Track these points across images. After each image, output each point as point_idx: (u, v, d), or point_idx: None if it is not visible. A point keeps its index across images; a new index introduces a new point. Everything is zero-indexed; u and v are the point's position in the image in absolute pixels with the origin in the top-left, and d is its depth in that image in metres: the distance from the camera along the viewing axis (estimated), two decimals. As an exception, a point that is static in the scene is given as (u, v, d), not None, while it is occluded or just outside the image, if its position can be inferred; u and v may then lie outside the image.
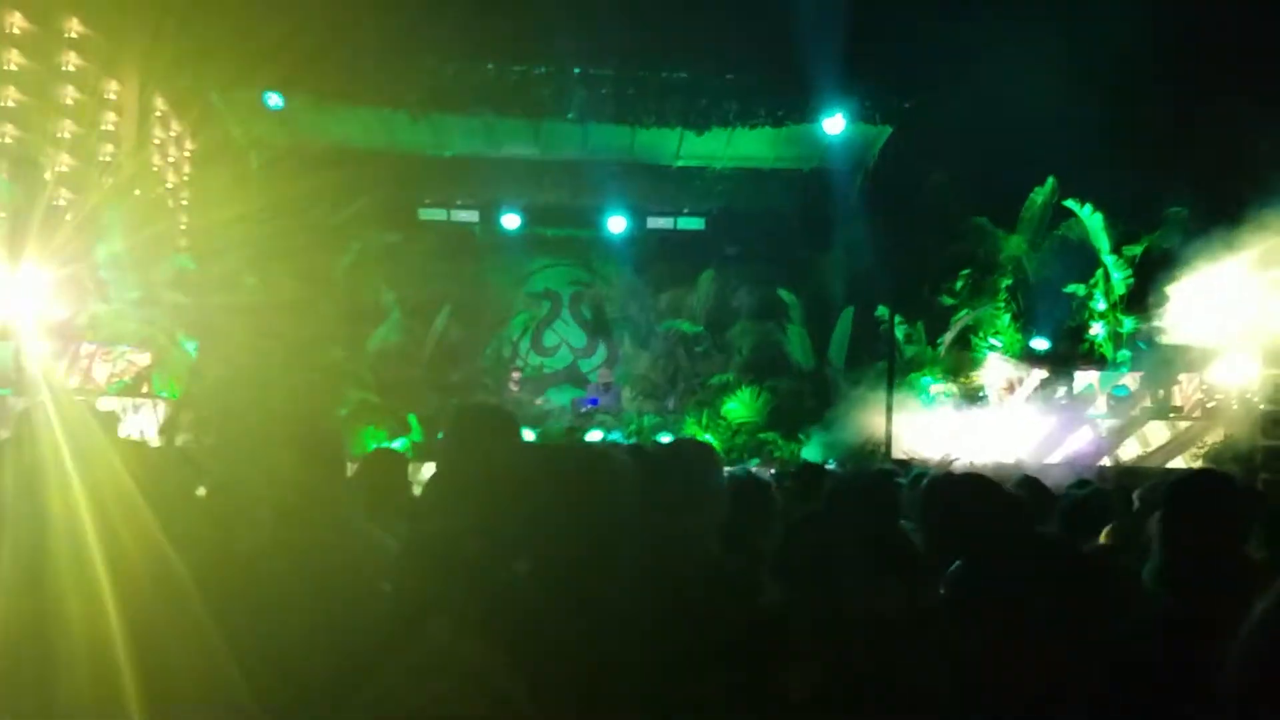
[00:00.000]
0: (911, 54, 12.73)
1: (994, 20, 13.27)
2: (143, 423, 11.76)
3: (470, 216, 15.75)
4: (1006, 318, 14.12)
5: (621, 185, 15.05)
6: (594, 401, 14.52)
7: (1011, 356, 13.71)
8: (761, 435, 13.56)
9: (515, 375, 15.36)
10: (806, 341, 14.67)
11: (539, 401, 14.94)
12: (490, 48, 12.44)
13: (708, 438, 13.68)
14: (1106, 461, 11.65)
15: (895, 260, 12.49)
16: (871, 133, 13.25)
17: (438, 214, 15.72)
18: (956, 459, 11.83)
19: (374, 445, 12.37)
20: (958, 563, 2.06)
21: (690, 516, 2.45)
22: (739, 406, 14.15)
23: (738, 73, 12.53)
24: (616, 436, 13.43)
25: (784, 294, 14.72)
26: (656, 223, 15.80)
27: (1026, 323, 14.16)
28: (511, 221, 15.42)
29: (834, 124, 11.34)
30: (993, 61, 13.40)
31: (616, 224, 15.47)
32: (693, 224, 15.88)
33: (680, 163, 14.78)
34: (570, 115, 12.65)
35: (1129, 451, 11.75)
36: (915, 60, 12.69)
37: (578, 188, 15.20)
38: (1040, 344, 13.84)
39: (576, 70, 12.32)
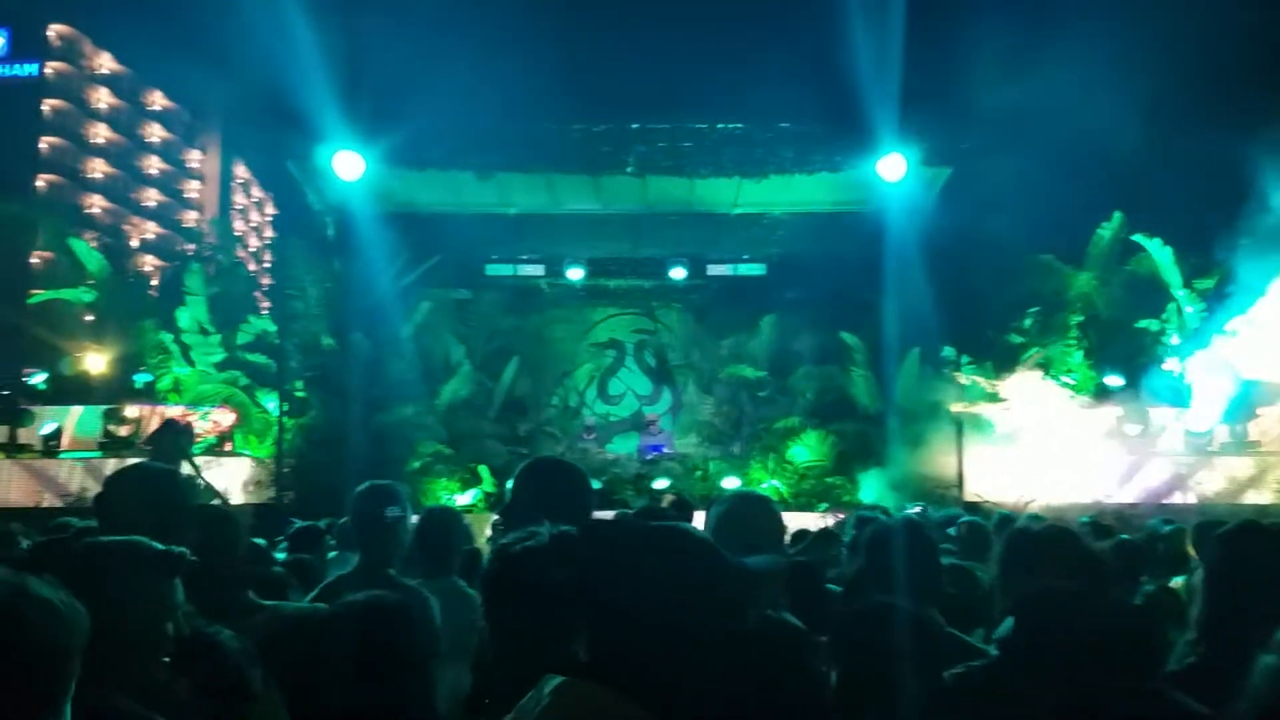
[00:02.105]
0: (970, 94, 12.76)
1: (1054, 56, 13.25)
2: (226, 479, 12.21)
3: (536, 271, 16.09)
4: (1079, 355, 13.90)
5: (681, 235, 15.24)
6: (658, 449, 14.60)
7: (1085, 394, 13.47)
8: (829, 479, 13.50)
9: (590, 430, 15.55)
10: (871, 384, 14.55)
11: (605, 451, 15.08)
12: (550, 108, 12.84)
13: (775, 483, 13.67)
14: (1185, 498, 11.36)
15: (959, 300, 12.41)
16: (930, 173, 13.25)
17: (504, 269, 16.09)
18: (1033, 500, 11.66)
19: (446, 496, 12.66)
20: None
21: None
22: (805, 450, 14.11)
23: (793, 120, 12.68)
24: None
25: (846, 337, 14.64)
26: (717, 270, 15.93)
27: (1099, 359, 13.90)
28: (575, 274, 15.73)
29: (891, 169, 11.39)
30: (1053, 98, 13.36)
31: (678, 273, 15.67)
32: (753, 270, 15.96)
33: (739, 210, 14.88)
34: (629, 169, 12.90)
35: (1210, 487, 11.44)
36: (973, 100, 12.72)
37: (639, 239, 15.45)
38: (1114, 380, 13.57)
39: (634, 126, 12.61)
